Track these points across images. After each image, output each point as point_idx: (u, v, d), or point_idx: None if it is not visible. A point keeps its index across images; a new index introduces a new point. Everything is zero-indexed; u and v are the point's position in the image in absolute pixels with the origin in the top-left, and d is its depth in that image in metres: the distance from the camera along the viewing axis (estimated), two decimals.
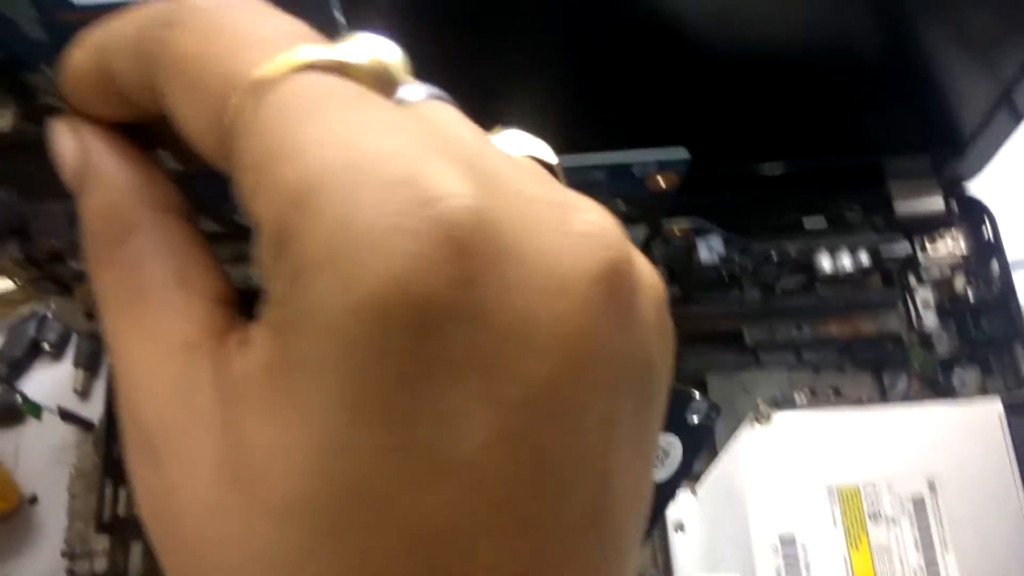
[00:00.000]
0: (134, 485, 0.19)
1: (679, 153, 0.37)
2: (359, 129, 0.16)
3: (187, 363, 0.19)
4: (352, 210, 0.15)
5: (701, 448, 0.40)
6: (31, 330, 0.73)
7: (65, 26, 0.22)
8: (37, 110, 0.25)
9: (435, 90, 0.20)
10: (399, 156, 0.16)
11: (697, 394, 0.37)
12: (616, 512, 0.19)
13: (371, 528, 0.16)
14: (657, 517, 0.44)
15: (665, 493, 0.42)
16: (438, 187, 0.16)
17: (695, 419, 0.38)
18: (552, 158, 0.22)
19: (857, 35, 0.54)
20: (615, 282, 0.17)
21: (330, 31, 0.21)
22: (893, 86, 0.58)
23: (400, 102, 0.19)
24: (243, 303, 0.21)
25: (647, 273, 0.19)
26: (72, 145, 0.22)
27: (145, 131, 0.23)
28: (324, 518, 0.16)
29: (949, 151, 0.63)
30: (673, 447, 0.39)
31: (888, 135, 0.62)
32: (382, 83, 0.19)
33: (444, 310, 0.16)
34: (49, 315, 0.73)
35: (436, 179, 0.16)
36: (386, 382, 0.16)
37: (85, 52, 0.21)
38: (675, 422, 0.40)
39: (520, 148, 0.21)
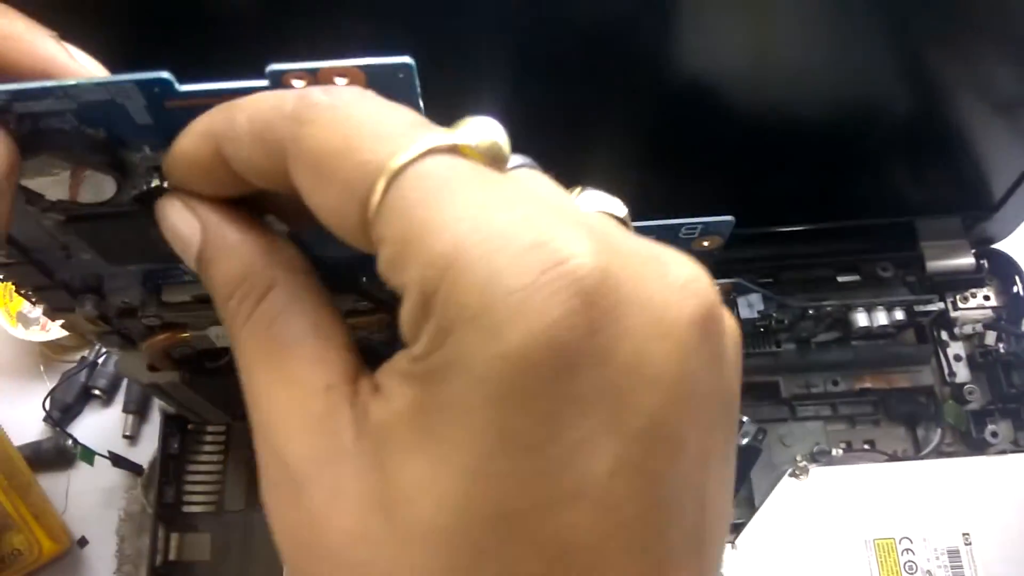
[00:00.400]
0: (272, 520, 0.22)
1: (723, 217, 0.39)
2: (487, 204, 0.19)
3: (328, 404, 0.21)
4: (494, 273, 0.18)
5: (750, 468, 0.42)
6: (82, 376, 0.74)
7: (169, 111, 0.24)
8: (134, 185, 0.26)
9: (525, 159, 0.22)
10: (525, 224, 0.18)
11: (745, 418, 0.39)
12: (711, 534, 0.21)
13: (511, 547, 0.19)
14: None
15: None
16: (566, 248, 0.18)
17: (744, 441, 0.39)
18: (622, 211, 0.24)
19: (892, 105, 0.55)
20: (708, 326, 0.20)
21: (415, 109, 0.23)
22: (926, 151, 0.59)
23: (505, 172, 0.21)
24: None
25: (728, 316, 0.22)
26: (189, 220, 0.24)
27: (251, 201, 0.24)
28: (469, 540, 0.19)
29: (980, 214, 0.64)
30: None
31: (921, 198, 0.63)
32: (495, 160, 0.21)
33: (577, 354, 0.18)
34: (99, 362, 0.75)
35: (562, 242, 0.18)
36: (527, 417, 0.18)
37: (196, 139, 0.23)
38: None
39: (593, 205, 0.24)
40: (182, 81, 0.23)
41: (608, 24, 0.47)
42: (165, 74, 0.23)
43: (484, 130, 0.21)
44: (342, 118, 0.20)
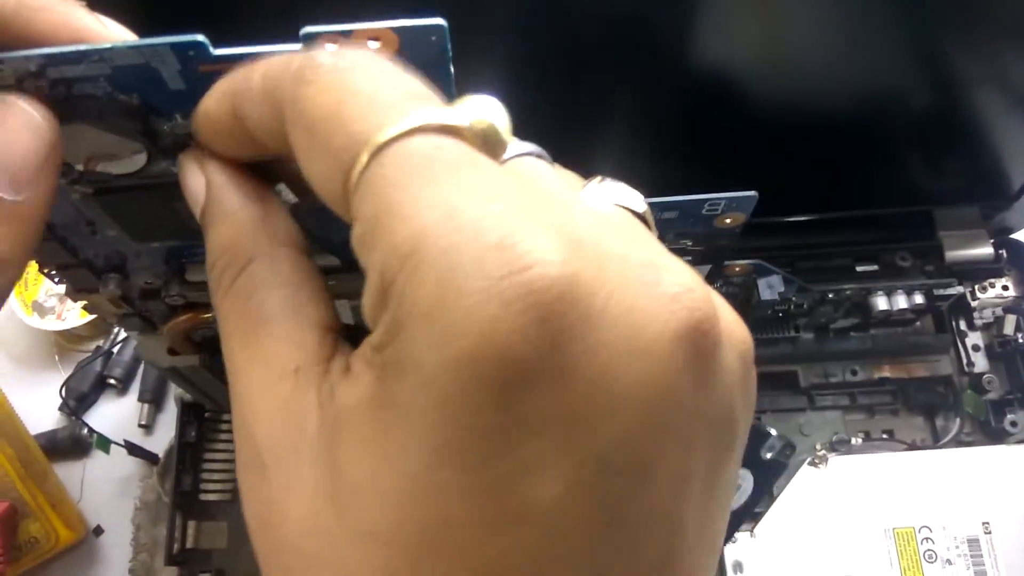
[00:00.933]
0: (243, 497, 0.21)
1: (746, 192, 0.39)
2: (464, 193, 0.18)
3: (296, 388, 0.21)
4: (451, 272, 0.17)
5: (773, 483, 0.41)
6: (97, 365, 0.74)
7: (202, 76, 0.23)
8: (165, 154, 0.26)
9: (530, 147, 0.21)
10: (496, 221, 0.17)
11: (773, 431, 0.38)
12: (688, 561, 0.20)
13: (448, 562, 0.18)
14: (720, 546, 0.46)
15: (731, 523, 0.43)
16: (531, 253, 0.17)
17: (768, 455, 0.39)
18: (641, 206, 0.23)
19: (911, 95, 0.55)
20: (698, 343, 0.18)
21: (447, 84, 0.23)
22: (944, 141, 0.58)
23: (502, 159, 0.20)
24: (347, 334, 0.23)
25: (733, 328, 0.20)
26: (199, 180, 0.24)
27: (266, 167, 0.24)
28: (407, 548, 0.18)
29: (999, 203, 0.64)
30: (744, 480, 0.39)
31: (939, 187, 0.63)
32: (489, 144, 0.20)
33: (530, 370, 0.17)
34: (114, 351, 0.75)
35: (529, 244, 0.17)
36: (472, 431, 0.17)
37: (218, 98, 0.23)
38: (748, 457, 0.41)
39: (611, 198, 0.22)
40: (215, 46, 0.23)
41: (627, 12, 0.47)
42: (200, 37, 0.23)
43: (482, 110, 0.20)
44: (339, 82, 0.20)
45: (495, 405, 0.17)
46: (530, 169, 0.21)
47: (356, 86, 0.19)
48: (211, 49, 0.23)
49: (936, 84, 0.55)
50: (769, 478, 0.42)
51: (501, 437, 0.17)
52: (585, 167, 0.24)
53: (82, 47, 0.22)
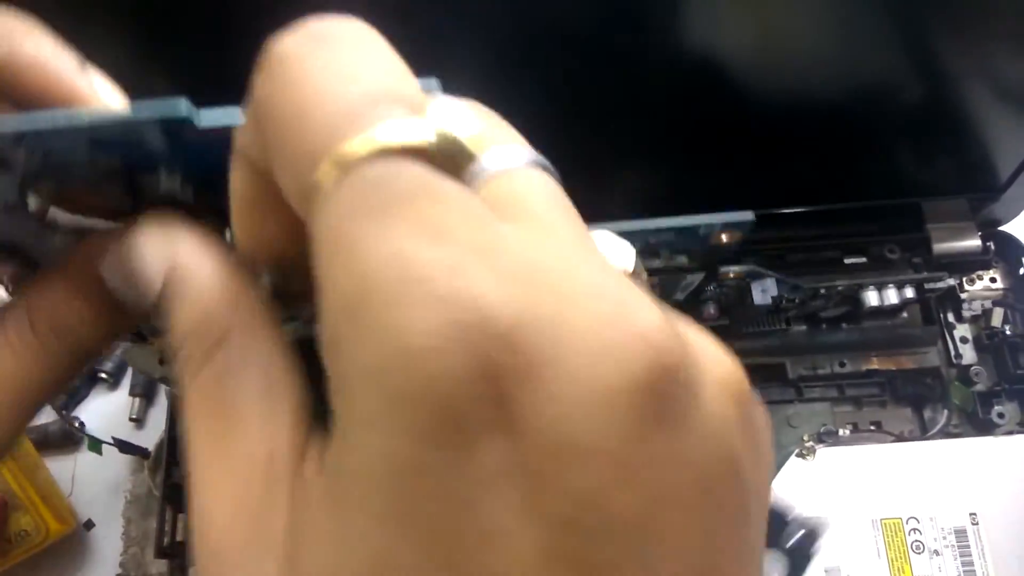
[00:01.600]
0: None
1: (744, 216, 0.38)
2: (413, 234, 0.16)
3: (268, 484, 0.19)
4: (394, 329, 0.15)
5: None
6: None
7: (186, 136, 0.23)
8: (149, 206, 0.26)
9: (522, 156, 0.19)
10: (443, 268, 0.15)
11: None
12: None
13: None
14: None
15: None
16: (476, 302, 0.15)
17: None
18: (628, 263, 0.22)
19: (899, 87, 0.55)
20: (662, 386, 0.16)
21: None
22: (932, 133, 0.58)
23: (477, 174, 0.18)
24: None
25: (713, 365, 0.18)
26: (160, 248, 0.22)
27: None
28: None
29: (987, 195, 0.64)
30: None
31: (927, 179, 0.63)
32: (455, 161, 0.18)
33: (478, 429, 0.15)
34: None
35: (475, 291, 0.15)
36: (427, 501, 0.15)
37: (236, 160, 0.21)
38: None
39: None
40: (198, 91, 0.22)
41: (616, 6, 0.47)
42: (184, 110, 0.22)
43: (450, 120, 0.18)
44: (299, 79, 0.18)
45: (446, 471, 0.15)
46: (509, 187, 0.18)
47: (316, 85, 0.18)
48: (195, 121, 0.22)
49: (925, 76, 0.55)
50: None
51: (457, 504, 0.15)
52: (574, 167, 0.23)
53: (59, 122, 0.21)
